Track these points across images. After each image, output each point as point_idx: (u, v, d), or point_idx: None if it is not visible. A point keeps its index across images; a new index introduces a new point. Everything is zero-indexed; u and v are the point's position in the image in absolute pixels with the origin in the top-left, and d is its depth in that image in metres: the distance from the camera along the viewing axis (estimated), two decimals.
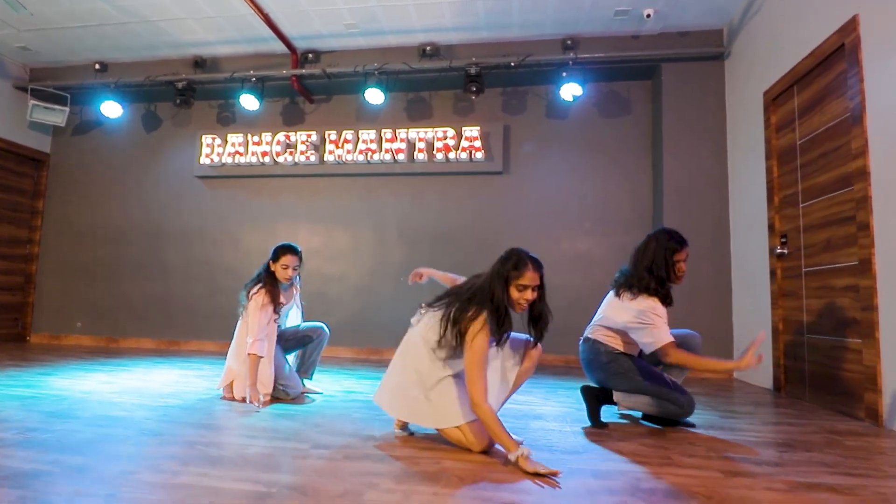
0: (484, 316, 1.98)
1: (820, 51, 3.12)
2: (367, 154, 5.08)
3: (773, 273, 3.63)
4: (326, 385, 3.48)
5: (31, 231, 5.83)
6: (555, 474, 1.70)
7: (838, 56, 2.99)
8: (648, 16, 4.34)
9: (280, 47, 5.08)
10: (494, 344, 2.04)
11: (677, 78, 4.60)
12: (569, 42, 4.72)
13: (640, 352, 2.52)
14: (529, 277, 2.00)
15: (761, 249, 3.79)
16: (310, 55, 5.16)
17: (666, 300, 2.42)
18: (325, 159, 5.20)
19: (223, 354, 4.88)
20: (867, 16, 2.74)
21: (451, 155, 4.95)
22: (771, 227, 3.66)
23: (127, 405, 2.71)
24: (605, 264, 4.75)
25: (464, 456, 1.96)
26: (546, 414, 2.72)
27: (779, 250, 3.52)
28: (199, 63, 5.31)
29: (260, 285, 2.96)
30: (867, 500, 1.59)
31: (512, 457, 1.77)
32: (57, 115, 5.45)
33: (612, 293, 2.59)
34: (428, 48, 4.94)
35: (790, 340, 3.46)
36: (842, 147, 2.92)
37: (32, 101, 5.34)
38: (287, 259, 2.98)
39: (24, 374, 3.61)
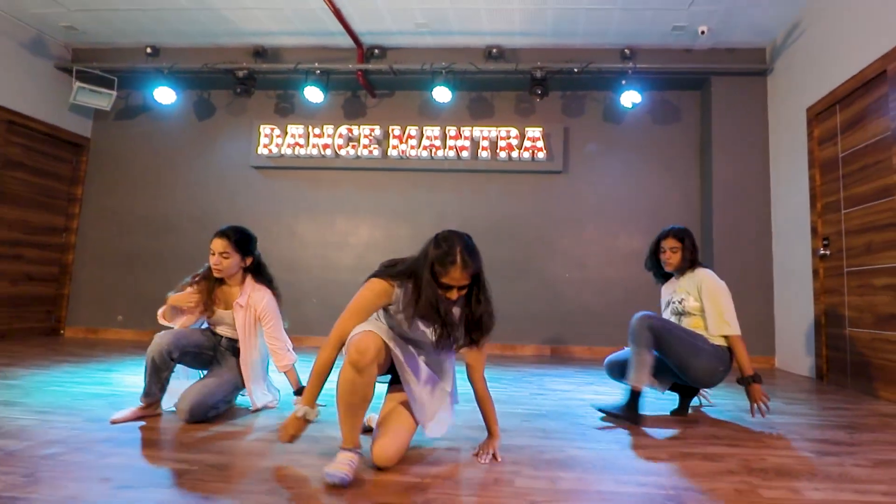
0: (391, 281, 2.13)
1: (862, 75, 4.30)
2: (431, 150, 6.02)
3: (815, 272, 4.83)
4: None
5: (68, 219, 6.43)
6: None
7: (880, 80, 4.15)
8: (703, 32, 5.49)
9: (345, 42, 5.93)
10: (400, 317, 2.15)
11: (725, 90, 5.79)
12: (627, 52, 5.82)
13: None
14: (455, 278, 2.00)
15: (804, 250, 4.99)
16: (375, 51, 6.05)
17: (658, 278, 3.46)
18: (388, 154, 6.08)
19: None
20: None
21: (514, 154, 5.97)
22: (814, 230, 4.87)
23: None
24: None
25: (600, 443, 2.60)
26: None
27: (821, 252, 4.72)
28: (259, 52, 6.08)
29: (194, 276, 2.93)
30: None
31: (299, 412, 2.07)
32: (103, 99, 6.07)
33: None
34: (493, 50, 5.92)
35: (832, 333, 4.62)
36: (882, 162, 4.10)
37: (78, 84, 5.93)
38: (212, 244, 2.85)
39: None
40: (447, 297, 2.04)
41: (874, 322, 4.11)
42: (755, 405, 2.92)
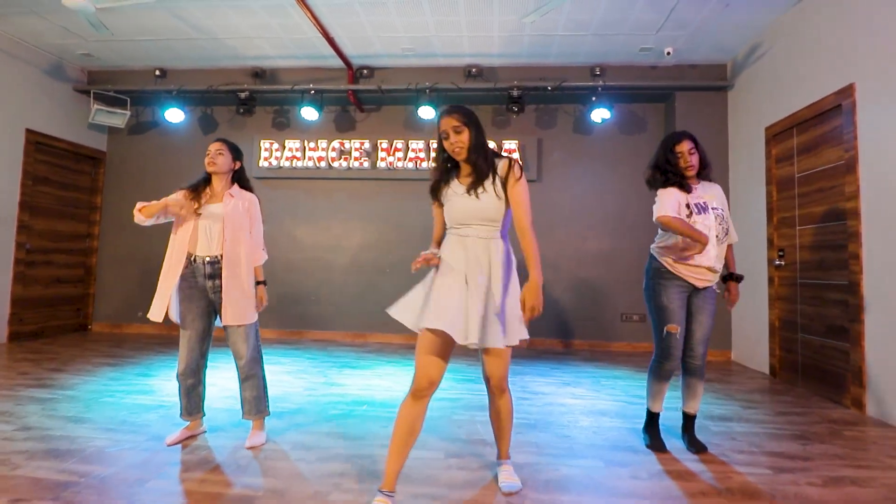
0: None
1: (818, 105, 3.83)
2: (416, 162, 5.59)
3: (770, 279, 4.43)
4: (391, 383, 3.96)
5: (90, 226, 6.07)
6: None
7: (835, 113, 3.69)
8: (669, 53, 4.98)
9: (337, 63, 5.44)
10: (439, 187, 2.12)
11: (688, 104, 5.29)
12: (597, 71, 5.31)
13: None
14: (444, 124, 2.03)
15: (761, 258, 4.57)
16: (364, 71, 5.56)
17: (679, 186, 2.57)
18: (377, 165, 5.66)
19: (283, 343, 5.50)
20: (862, 84, 3.41)
21: None
22: (770, 242, 4.44)
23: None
24: (625, 260, 5.49)
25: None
26: (608, 410, 3.31)
27: (777, 262, 4.31)
28: (258, 74, 5.60)
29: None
30: (880, 491, 2.18)
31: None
32: (118, 118, 5.65)
33: None
34: (473, 70, 5.42)
35: (785, 336, 4.26)
36: (836, 188, 3.66)
37: (97, 106, 5.51)
38: (209, 147, 2.70)
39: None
40: (452, 145, 2.01)
41: (825, 331, 3.76)
42: (732, 301, 2.70)
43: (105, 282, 6.09)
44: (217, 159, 2.65)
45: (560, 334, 5.55)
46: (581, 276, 5.55)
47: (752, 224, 4.73)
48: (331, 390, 3.69)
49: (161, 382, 3.79)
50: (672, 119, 5.35)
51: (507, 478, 2.19)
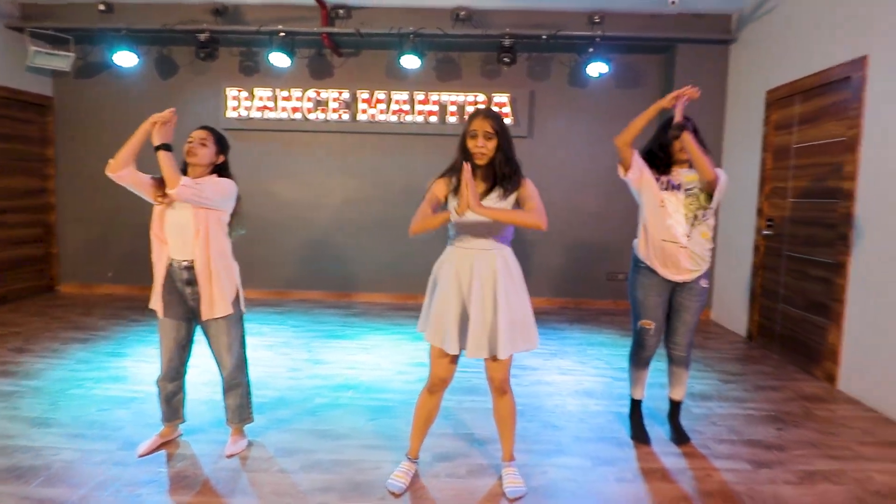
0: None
1: (826, 74, 3.66)
2: (399, 115, 5.25)
3: (756, 248, 4.46)
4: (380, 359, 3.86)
5: (45, 180, 5.59)
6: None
7: (843, 85, 3.53)
8: (674, 2, 4.62)
9: (308, 0, 4.89)
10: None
11: (689, 57, 5.01)
12: (596, 18, 4.93)
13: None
14: (477, 124, 1.98)
15: (748, 225, 4.57)
16: (340, 11, 5.03)
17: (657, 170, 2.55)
18: (357, 118, 5.30)
19: (266, 305, 5.37)
20: (877, 59, 3.23)
21: None
22: (759, 211, 4.43)
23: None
24: (615, 220, 5.44)
25: None
26: (594, 390, 3.34)
27: (765, 231, 4.33)
28: (219, 11, 5.00)
29: None
30: (850, 489, 2.28)
31: (455, 215, 1.97)
32: (61, 61, 5.05)
33: None
34: (462, 13, 4.96)
35: (765, 304, 4.36)
36: (833, 165, 3.59)
37: (34, 48, 4.88)
38: (191, 134, 2.46)
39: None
40: (478, 147, 1.98)
41: (805, 305, 3.85)
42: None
43: (68, 240, 5.73)
44: (199, 150, 2.35)
45: (549, 292, 5.60)
46: (571, 235, 5.50)
47: (743, 190, 4.70)
48: (315, 370, 3.58)
49: (134, 365, 3.59)
50: (672, 73, 5.10)
51: (512, 482, 2.22)
